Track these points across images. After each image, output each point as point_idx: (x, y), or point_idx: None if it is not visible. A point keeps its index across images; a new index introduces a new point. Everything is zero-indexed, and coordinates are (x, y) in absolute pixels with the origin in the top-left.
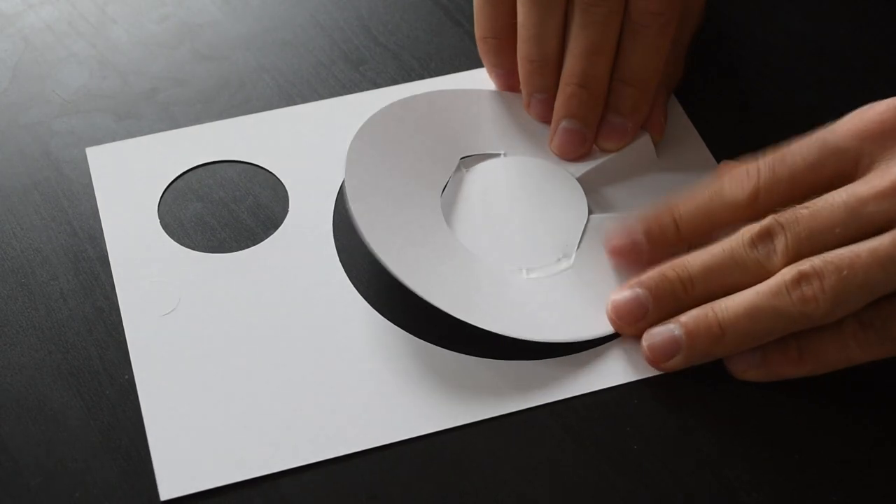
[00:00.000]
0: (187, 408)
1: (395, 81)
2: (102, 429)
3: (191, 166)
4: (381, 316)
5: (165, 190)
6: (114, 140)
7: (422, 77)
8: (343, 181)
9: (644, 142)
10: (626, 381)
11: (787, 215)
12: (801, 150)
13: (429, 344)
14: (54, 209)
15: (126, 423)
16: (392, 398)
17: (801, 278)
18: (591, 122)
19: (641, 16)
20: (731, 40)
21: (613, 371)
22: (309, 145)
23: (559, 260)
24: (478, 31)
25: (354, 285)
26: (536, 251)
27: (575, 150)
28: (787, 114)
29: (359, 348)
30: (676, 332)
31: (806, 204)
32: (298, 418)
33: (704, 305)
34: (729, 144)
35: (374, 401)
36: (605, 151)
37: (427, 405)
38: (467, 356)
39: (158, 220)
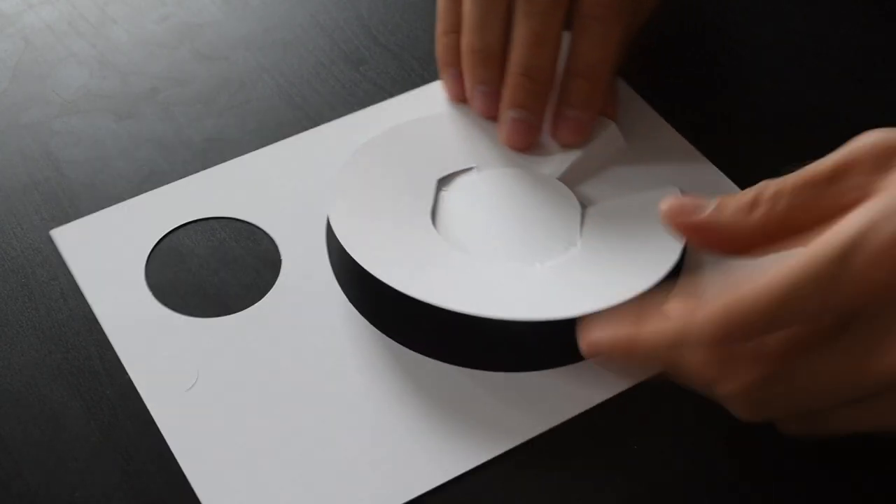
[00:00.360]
0: (235, 477)
1: (395, 81)
2: (102, 429)
3: (167, 230)
4: (404, 348)
5: (148, 259)
6: (115, 139)
7: (422, 77)
8: (328, 220)
9: (611, 132)
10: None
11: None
12: (788, 299)
13: (455, 367)
14: (54, 209)
15: (126, 423)
16: (439, 435)
17: None
18: (538, 112)
19: (592, 7)
20: (730, 40)
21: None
22: (284, 188)
23: (566, 249)
24: (439, 27)
25: (370, 322)
26: (543, 245)
27: (523, 139)
28: (786, 114)
29: (390, 385)
30: None
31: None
32: (350, 472)
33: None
34: (728, 144)
35: (421, 440)
36: (566, 146)
37: (475, 434)
38: (497, 373)
39: (150, 292)
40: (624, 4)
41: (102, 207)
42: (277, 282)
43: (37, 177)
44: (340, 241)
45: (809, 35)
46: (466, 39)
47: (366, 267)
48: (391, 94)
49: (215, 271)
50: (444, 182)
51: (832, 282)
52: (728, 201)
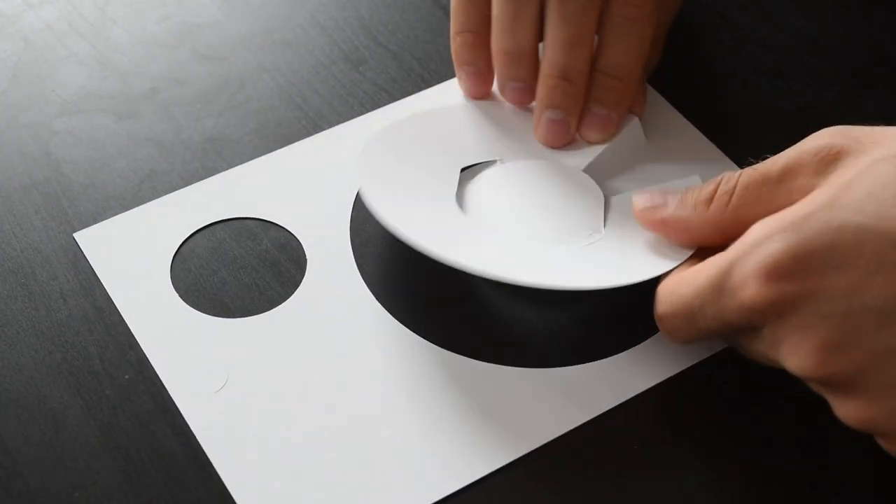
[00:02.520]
0: (268, 477)
1: (395, 81)
2: (102, 429)
3: (190, 232)
4: (433, 346)
5: (173, 261)
6: (115, 139)
7: (422, 77)
8: (357, 194)
9: (634, 127)
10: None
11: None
12: (693, 306)
13: (486, 363)
14: (54, 209)
15: (126, 423)
16: (478, 429)
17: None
18: (574, 112)
19: (623, 7)
20: (730, 40)
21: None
22: (306, 189)
23: (590, 235)
24: (454, 26)
25: (398, 320)
26: (567, 232)
27: (560, 138)
28: (786, 113)
29: (419, 383)
30: None
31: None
32: (381, 470)
33: None
34: (728, 143)
35: (451, 438)
36: (591, 143)
37: (510, 429)
38: (525, 369)
39: (176, 294)
40: (654, 4)
41: (102, 207)
42: (303, 281)
43: (36, 177)
44: (373, 208)
45: (809, 35)
46: (498, 41)
47: (401, 232)
48: (391, 94)
49: (240, 272)
50: (466, 173)
51: (715, 299)
52: (689, 195)
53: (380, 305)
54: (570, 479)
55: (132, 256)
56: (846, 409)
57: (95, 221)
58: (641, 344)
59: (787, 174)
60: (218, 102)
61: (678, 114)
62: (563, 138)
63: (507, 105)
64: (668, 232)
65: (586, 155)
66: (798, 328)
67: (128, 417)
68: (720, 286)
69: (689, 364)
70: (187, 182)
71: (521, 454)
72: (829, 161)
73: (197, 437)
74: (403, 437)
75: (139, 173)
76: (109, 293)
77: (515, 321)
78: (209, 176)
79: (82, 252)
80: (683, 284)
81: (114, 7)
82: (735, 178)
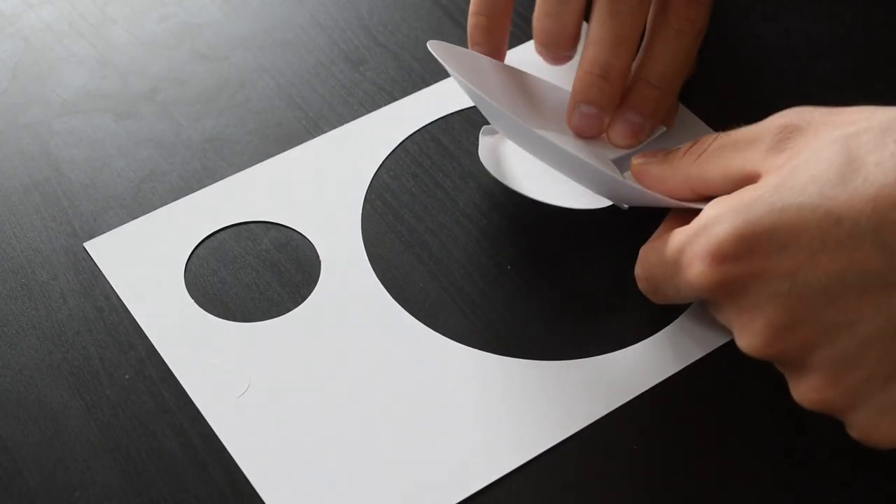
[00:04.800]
0: (296, 480)
1: (395, 81)
2: (102, 429)
3: (202, 237)
4: (453, 343)
5: (186, 266)
6: (115, 139)
7: (422, 77)
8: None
9: (658, 134)
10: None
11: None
12: (654, 276)
13: (504, 357)
14: (54, 209)
15: (126, 423)
16: (489, 431)
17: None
18: (609, 109)
19: (679, 21)
20: (730, 40)
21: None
22: (315, 191)
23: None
24: (473, 6)
25: (415, 316)
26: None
27: (593, 131)
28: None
29: (440, 381)
30: None
31: None
32: (405, 469)
33: None
34: None
35: (473, 436)
36: (617, 147)
37: (530, 422)
38: (547, 363)
39: (192, 300)
40: (706, 21)
41: (102, 207)
42: (319, 283)
43: (36, 177)
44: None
45: (809, 35)
46: (540, 22)
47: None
48: (391, 94)
49: (254, 275)
50: (486, 130)
51: (673, 274)
52: (671, 151)
53: (397, 304)
54: (570, 479)
55: (145, 264)
56: (800, 390)
57: (95, 221)
58: (645, 340)
59: (748, 144)
60: (218, 102)
61: (689, 112)
62: (596, 131)
63: (546, 83)
64: (651, 182)
65: (608, 153)
66: (746, 309)
67: (128, 417)
68: (675, 263)
69: (689, 362)
70: (187, 182)
71: (546, 448)
72: (781, 139)
73: (222, 440)
74: (424, 435)
75: (139, 173)
76: (125, 302)
77: (533, 315)
78: (209, 176)
79: (83, 252)
80: (654, 253)
81: (114, 7)
82: (711, 139)
